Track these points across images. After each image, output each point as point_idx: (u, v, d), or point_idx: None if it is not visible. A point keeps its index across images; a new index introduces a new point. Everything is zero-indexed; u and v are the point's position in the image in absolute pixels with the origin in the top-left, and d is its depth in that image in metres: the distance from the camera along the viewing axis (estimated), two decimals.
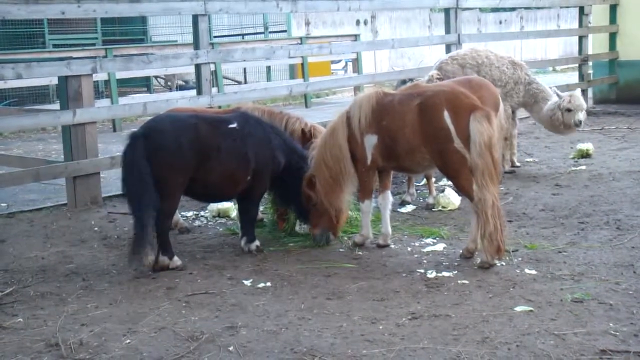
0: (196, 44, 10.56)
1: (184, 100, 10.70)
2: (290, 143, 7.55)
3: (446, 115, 6.60)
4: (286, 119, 8.09)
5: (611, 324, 5.26)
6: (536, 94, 10.64)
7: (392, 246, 7.39)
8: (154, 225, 6.62)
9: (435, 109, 6.67)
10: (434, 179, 9.72)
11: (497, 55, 10.80)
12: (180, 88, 22.30)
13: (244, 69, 24.96)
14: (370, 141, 7.06)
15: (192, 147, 6.76)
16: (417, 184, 9.78)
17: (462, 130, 6.54)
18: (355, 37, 24.06)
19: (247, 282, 6.46)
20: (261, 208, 7.92)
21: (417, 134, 6.76)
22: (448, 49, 13.81)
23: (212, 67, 17.51)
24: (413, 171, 7.54)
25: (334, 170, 7.18)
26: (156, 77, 23.03)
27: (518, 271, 6.48)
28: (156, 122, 7.04)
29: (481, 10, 33.71)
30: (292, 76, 24.40)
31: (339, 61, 27.20)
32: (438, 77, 10.21)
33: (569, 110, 10.24)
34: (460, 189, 6.92)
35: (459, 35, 13.89)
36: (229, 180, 7.05)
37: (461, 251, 6.97)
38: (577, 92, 10.65)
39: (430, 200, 8.98)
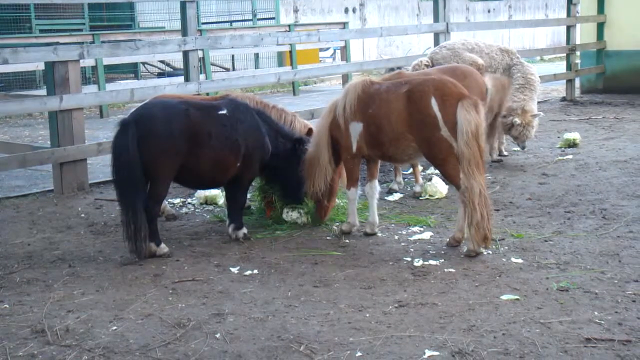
0: (184, 31, 10.52)
1: (172, 87, 10.65)
2: (278, 128, 7.56)
3: (434, 103, 6.60)
4: (284, 116, 8.10)
5: (596, 313, 5.30)
6: (513, 74, 10.58)
7: (379, 234, 7.40)
8: (144, 211, 6.63)
9: (423, 97, 6.67)
10: (421, 167, 9.73)
11: (486, 43, 10.84)
12: (169, 75, 22.19)
13: (232, 56, 24.88)
14: (356, 129, 7.07)
15: (183, 133, 6.76)
16: (405, 172, 9.80)
17: (450, 119, 6.54)
18: (344, 25, 24.02)
19: (234, 270, 6.47)
20: (249, 195, 7.91)
21: (403, 121, 6.77)
22: (436, 37, 13.83)
23: (200, 54, 17.45)
24: (398, 160, 7.54)
25: (311, 152, 7.31)
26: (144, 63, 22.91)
27: (504, 260, 6.50)
28: (147, 108, 7.02)
29: None
30: (280, 63, 24.34)
31: (327, 49, 27.13)
32: (426, 64, 10.22)
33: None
34: (447, 177, 6.93)
35: (447, 23, 13.88)
36: (219, 166, 7.05)
37: (448, 239, 6.99)
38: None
39: (417, 189, 8.99)
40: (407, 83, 6.88)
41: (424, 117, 6.64)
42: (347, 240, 7.26)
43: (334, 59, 26.79)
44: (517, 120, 10.14)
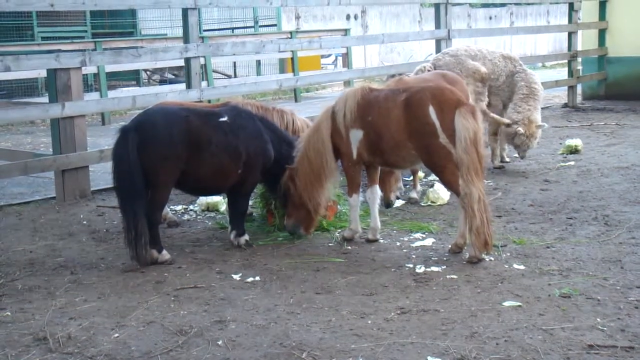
0: (186, 38, 10.52)
1: (174, 94, 10.66)
2: (281, 134, 7.58)
3: (431, 110, 6.62)
4: (285, 117, 8.11)
5: (598, 319, 5.29)
6: (516, 82, 10.56)
7: (381, 241, 7.39)
8: (145, 218, 6.63)
9: (420, 105, 6.69)
10: (423, 174, 9.75)
11: (488, 50, 10.84)
12: (170, 82, 22.22)
13: (234, 63, 24.90)
14: (356, 136, 7.08)
15: (183, 139, 6.77)
16: (406, 179, 9.79)
17: (448, 126, 6.56)
18: (346, 31, 24.05)
19: (236, 276, 6.46)
20: (250, 202, 7.92)
21: (402, 129, 6.78)
22: (438, 44, 13.84)
23: (202, 60, 17.47)
24: (398, 166, 7.56)
25: (315, 165, 7.22)
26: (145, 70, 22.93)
27: (506, 266, 6.50)
28: (147, 115, 7.04)
29: (471, 5, 33.73)
30: (282, 70, 24.37)
31: (329, 55, 27.16)
32: (429, 70, 10.22)
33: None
34: (447, 184, 6.94)
35: (449, 30, 13.89)
36: (220, 173, 7.05)
37: (450, 246, 6.99)
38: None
39: (413, 195, 8.99)
40: (405, 91, 6.90)
41: (422, 125, 6.66)
42: (349, 247, 7.26)
43: (335, 65, 26.83)
44: (521, 129, 10.12)
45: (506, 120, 10.25)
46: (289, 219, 7.45)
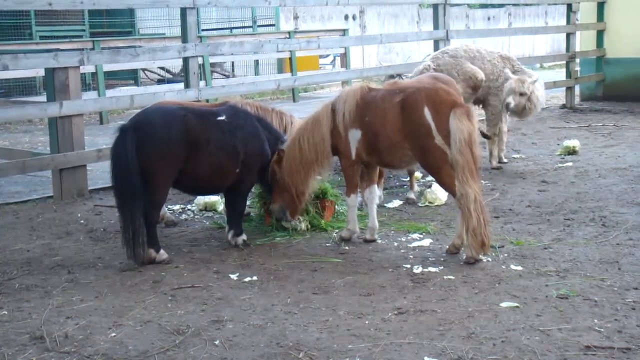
0: (184, 37, 10.52)
1: (172, 93, 10.65)
2: (277, 134, 7.59)
3: (426, 112, 6.63)
4: (284, 119, 8.14)
5: (596, 320, 5.29)
6: None
7: (379, 241, 7.39)
8: (142, 218, 6.63)
9: (415, 106, 6.70)
10: (420, 174, 9.74)
11: (487, 50, 10.84)
12: (169, 81, 22.20)
13: (232, 63, 24.88)
14: (355, 136, 7.09)
15: (181, 138, 6.76)
16: (403, 179, 9.79)
17: (443, 127, 6.57)
18: (344, 31, 24.05)
19: (234, 276, 6.46)
20: (248, 202, 7.91)
21: (398, 130, 6.79)
22: (436, 44, 13.83)
23: (200, 60, 17.45)
24: (395, 167, 7.57)
25: (308, 156, 7.20)
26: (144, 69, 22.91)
27: (504, 267, 6.50)
28: (145, 114, 7.04)
29: (470, 6, 33.72)
30: (280, 70, 24.35)
31: (327, 56, 27.15)
32: (435, 68, 10.21)
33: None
34: (443, 185, 6.95)
35: (447, 31, 13.90)
36: (218, 172, 7.05)
37: (447, 247, 6.99)
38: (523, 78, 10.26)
39: (410, 195, 9.00)
40: (400, 92, 6.91)
41: (417, 126, 6.67)
42: (347, 247, 7.25)
43: (333, 65, 26.81)
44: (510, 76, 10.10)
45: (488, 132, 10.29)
46: (275, 204, 7.43)
